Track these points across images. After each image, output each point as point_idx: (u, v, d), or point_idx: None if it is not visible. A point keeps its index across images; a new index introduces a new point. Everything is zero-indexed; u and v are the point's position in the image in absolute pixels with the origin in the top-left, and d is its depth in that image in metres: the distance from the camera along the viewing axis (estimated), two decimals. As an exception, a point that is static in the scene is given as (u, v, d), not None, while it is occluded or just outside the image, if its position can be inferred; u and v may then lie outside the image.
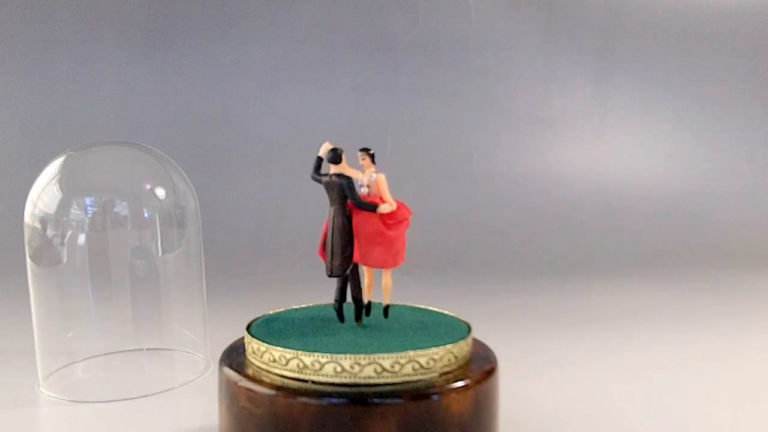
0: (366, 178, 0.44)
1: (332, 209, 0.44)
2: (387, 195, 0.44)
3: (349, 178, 0.43)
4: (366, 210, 0.43)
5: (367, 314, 0.45)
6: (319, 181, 0.44)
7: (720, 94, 1.58)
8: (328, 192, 0.44)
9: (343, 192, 0.43)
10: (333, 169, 0.44)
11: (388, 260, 0.44)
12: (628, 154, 1.53)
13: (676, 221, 1.40)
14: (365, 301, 0.45)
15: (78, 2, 1.37)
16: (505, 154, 1.47)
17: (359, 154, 0.45)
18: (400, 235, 0.44)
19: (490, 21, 1.49)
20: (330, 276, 0.44)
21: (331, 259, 0.44)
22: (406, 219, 0.44)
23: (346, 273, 0.44)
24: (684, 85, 1.57)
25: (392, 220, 0.44)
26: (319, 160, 0.44)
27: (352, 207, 0.44)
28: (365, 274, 0.46)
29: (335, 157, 0.43)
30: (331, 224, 0.44)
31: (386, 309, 0.46)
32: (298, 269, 1.07)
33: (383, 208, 0.43)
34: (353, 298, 0.45)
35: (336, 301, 0.44)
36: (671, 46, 1.56)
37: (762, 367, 0.63)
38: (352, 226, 0.43)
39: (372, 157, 0.44)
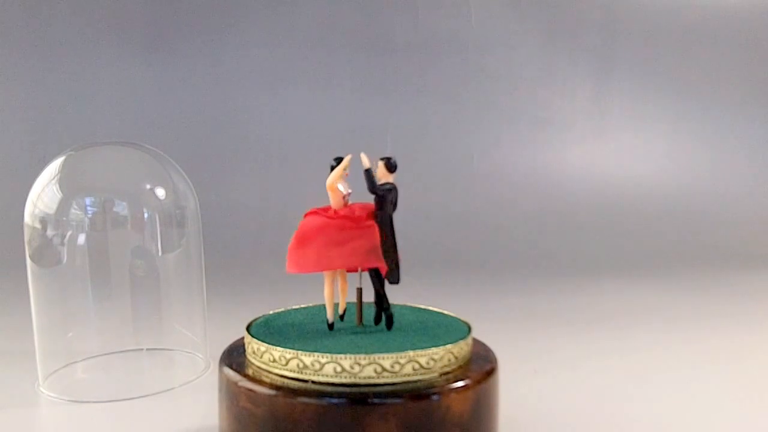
0: (345, 185, 0.44)
1: (389, 218, 0.43)
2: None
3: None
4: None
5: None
6: (382, 194, 0.42)
7: (720, 94, 1.58)
8: (387, 200, 0.43)
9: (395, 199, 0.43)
10: (392, 178, 0.43)
11: None
12: (628, 154, 1.53)
13: (675, 221, 1.40)
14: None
15: (78, 2, 1.37)
16: (505, 154, 1.47)
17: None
18: None
19: (490, 21, 1.49)
20: (398, 282, 0.43)
21: (399, 264, 0.43)
22: None
23: None
24: (684, 85, 1.57)
25: None
26: (369, 172, 0.42)
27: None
28: (342, 278, 0.45)
29: (395, 166, 0.43)
30: (391, 230, 0.43)
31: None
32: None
33: None
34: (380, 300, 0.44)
35: (388, 307, 0.44)
36: (671, 45, 1.56)
37: (762, 367, 0.63)
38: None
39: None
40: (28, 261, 0.57)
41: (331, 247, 0.41)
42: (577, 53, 1.53)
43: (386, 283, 0.44)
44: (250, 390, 0.37)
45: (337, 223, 0.42)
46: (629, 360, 0.64)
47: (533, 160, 1.48)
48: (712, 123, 1.57)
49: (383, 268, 0.42)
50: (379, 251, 0.42)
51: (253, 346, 0.40)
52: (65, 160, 0.58)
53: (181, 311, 0.64)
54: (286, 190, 1.33)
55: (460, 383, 0.37)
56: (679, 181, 1.50)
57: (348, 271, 0.45)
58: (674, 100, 1.56)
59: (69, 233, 0.57)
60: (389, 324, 0.44)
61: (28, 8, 1.36)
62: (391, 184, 0.43)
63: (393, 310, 0.46)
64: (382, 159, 0.43)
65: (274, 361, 0.38)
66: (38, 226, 0.57)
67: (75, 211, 0.57)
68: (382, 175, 0.43)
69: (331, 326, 0.43)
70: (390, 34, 1.47)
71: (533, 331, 0.75)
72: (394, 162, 0.43)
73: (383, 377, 0.37)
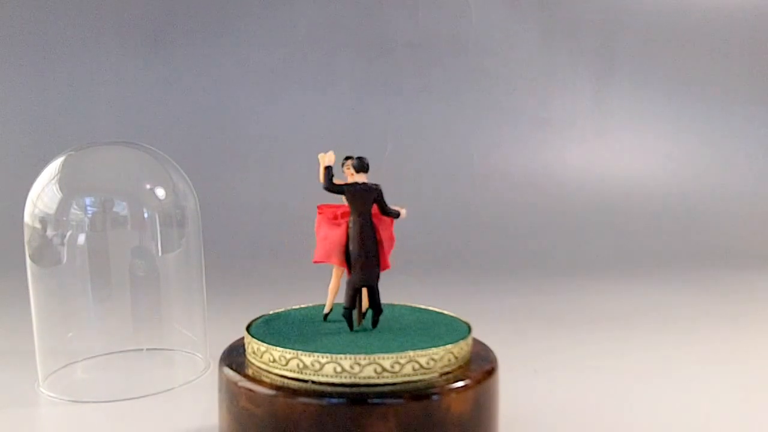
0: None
1: (359, 218, 0.42)
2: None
3: (379, 186, 0.43)
4: (391, 216, 0.44)
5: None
6: (341, 192, 0.42)
7: (720, 94, 1.58)
8: (355, 200, 0.42)
9: (374, 200, 0.43)
10: (360, 177, 0.43)
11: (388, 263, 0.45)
12: (628, 154, 1.53)
13: (676, 221, 1.40)
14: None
15: (78, 2, 1.37)
16: (505, 154, 1.47)
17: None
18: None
19: (490, 21, 1.49)
20: (368, 285, 0.43)
21: (368, 268, 0.43)
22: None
23: None
24: (684, 85, 1.57)
25: (390, 224, 0.45)
26: (330, 170, 0.42)
27: (374, 214, 0.43)
28: (334, 279, 0.45)
29: (365, 165, 0.43)
30: (359, 233, 0.42)
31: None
32: (298, 269, 1.06)
33: (404, 214, 0.44)
34: (377, 305, 0.44)
35: (347, 308, 0.43)
36: (671, 45, 1.56)
37: (762, 367, 0.63)
38: (376, 234, 0.43)
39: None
40: (28, 261, 0.57)
41: (319, 240, 0.44)
42: (577, 53, 1.53)
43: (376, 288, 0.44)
44: (250, 390, 0.37)
45: (325, 217, 0.45)
46: (629, 360, 0.64)
47: (533, 160, 1.48)
48: (713, 123, 1.57)
49: (343, 267, 0.43)
50: (341, 250, 0.43)
51: (253, 346, 0.40)
52: (65, 160, 0.58)
53: (181, 311, 0.64)
54: (286, 190, 1.33)
55: (460, 383, 0.37)
56: (679, 181, 1.50)
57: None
58: (674, 100, 1.56)
59: (69, 233, 0.57)
60: (374, 322, 0.44)
61: (27, 8, 1.36)
62: (355, 184, 0.42)
63: (393, 310, 0.47)
64: (348, 159, 0.43)
65: (274, 361, 0.38)
66: (38, 226, 0.57)
67: (75, 211, 0.57)
68: (349, 175, 0.43)
69: (325, 317, 0.45)
70: (390, 34, 1.47)
71: (533, 331, 0.75)
72: (363, 163, 0.43)
73: (383, 377, 0.37)
